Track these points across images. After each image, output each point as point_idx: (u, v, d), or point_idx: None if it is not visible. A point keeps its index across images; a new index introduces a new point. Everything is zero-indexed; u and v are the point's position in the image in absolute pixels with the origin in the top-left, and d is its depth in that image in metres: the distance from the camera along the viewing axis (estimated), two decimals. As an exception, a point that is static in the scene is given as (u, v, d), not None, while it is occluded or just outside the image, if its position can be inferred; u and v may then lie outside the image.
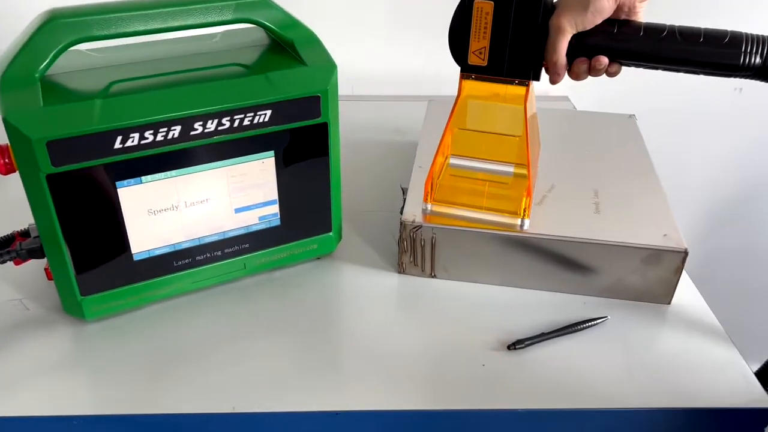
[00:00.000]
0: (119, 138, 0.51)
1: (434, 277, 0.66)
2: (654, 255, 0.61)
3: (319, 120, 0.58)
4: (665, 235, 0.62)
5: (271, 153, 0.58)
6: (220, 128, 0.54)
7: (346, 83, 1.13)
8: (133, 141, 0.52)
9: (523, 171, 0.64)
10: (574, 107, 1.03)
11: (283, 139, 0.58)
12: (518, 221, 0.63)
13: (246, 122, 0.55)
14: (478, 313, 0.62)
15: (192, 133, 0.53)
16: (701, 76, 0.57)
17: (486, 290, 0.65)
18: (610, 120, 0.83)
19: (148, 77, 0.54)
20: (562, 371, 0.57)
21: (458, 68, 0.60)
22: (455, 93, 0.61)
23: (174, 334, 0.59)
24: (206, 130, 0.54)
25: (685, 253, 0.61)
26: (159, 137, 0.52)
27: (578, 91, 1.05)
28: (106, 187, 0.53)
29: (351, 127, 0.97)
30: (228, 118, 0.54)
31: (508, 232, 0.62)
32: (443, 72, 1.07)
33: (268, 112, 0.56)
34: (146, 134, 0.52)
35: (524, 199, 0.62)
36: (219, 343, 0.58)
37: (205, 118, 0.53)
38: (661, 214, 0.65)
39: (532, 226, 0.63)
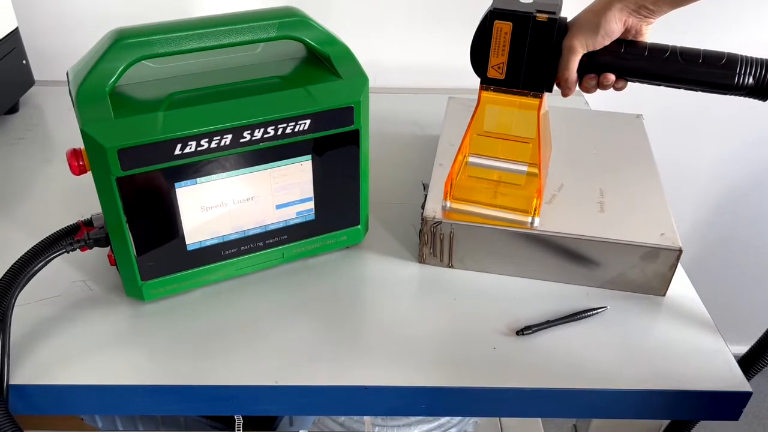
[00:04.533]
0: (179, 146, 0.58)
1: (452, 267, 0.73)
2: (651, 252, 0.68)
3: (352, 127, 0.65)
4: (662, 234, 0.68)
5: (309, 156, 0.65)
6: (265, 136, 0.61)
7: (368, 73, 1.19)
8: (190, 148, 0.59)
9: (536, 170, 0.70)
10: (586, 102, 1.08)
11: (319, 144, 0.64)
12: (529, 219, 0.70)
13: (288, 130, 0.62)
14: (490, 301, 0.69)
15: (241, 140, 0.60)
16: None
17: (498, 280, 0.72)
18: (618, 120, 0.89)
19: (203, 89, 0.61)
20: (565, 355, 0.64)
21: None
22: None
23: (221, 315, 0.67)
24: (254, 138, 0.61)
25: (680, 251, 0.67)
26: (213, 144, 0.59)
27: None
28: (166, 187, 0.60)
29: (372, 118, 1.03)
30: (273, 127, 0.61)
31: (520, 228, 0.69)
32: (463, 64, 1.12)
33: (308, 121, 0.62)
34: (202, 142, 0.59)
35: (535, 199, 0.69)
36: (260, 323, 0.66)
37: (252, 127, 0.60)
38: (660, 213, 0.72)
39: (542, 223, 0.69)
